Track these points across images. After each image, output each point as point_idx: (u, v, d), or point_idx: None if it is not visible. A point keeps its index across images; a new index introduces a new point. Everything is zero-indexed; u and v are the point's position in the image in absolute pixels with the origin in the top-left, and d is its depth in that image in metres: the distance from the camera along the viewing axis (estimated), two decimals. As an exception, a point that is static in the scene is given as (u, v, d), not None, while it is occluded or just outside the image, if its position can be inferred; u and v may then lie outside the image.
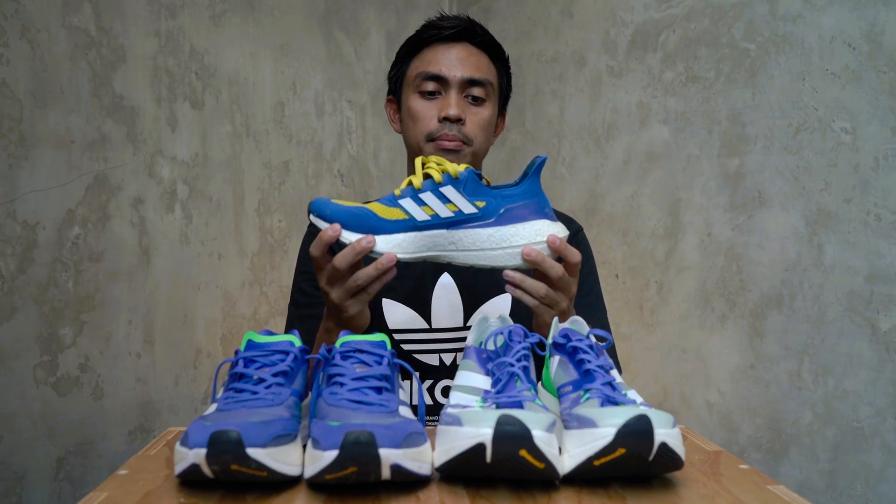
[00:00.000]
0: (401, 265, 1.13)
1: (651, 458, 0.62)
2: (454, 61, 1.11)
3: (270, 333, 0.79)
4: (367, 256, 0.85)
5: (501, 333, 0.79)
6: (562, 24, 1.94)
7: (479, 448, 0.60)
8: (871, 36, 1.34)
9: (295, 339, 0.76)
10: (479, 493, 0.64)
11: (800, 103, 1.43)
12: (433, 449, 0.66)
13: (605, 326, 1.17)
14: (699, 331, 1.60)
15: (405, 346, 1.12)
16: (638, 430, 0.61)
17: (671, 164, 1.66)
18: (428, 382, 1.12)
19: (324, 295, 0.90)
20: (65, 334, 1.38)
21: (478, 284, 1.14)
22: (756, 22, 1.51)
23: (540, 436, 0.60)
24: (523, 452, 0.60)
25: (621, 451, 0.62)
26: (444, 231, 0.84)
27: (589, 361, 0.75)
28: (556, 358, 0.78)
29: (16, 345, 1.30)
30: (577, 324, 0.84)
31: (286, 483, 0.64)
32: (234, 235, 1.73)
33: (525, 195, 0.85)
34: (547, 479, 0.64)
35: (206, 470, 0.60)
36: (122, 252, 1.48)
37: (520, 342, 0.77)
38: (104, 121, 1.45)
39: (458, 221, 0.84)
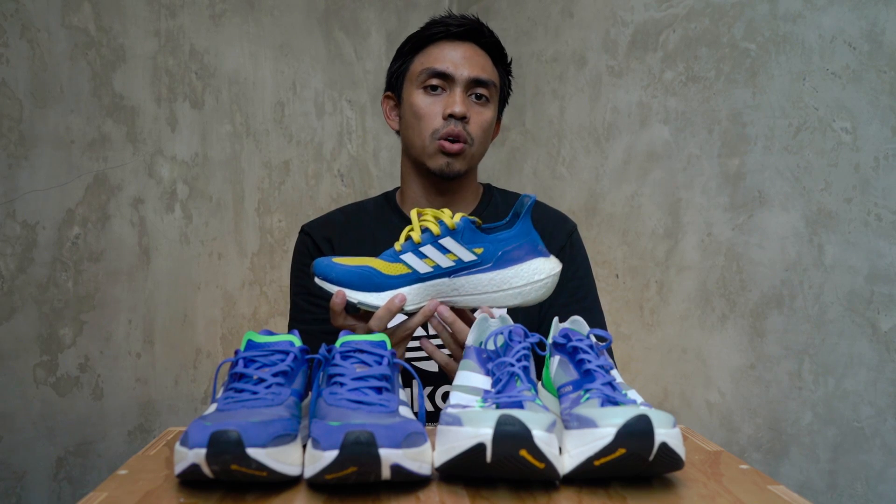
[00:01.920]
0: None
1: (651, 458, 0.62)
2: (461, 60, 1.11)
3: (270, 333, 0.79)
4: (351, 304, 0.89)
5: (501, 333, 0.79)
6: (562, 24, 1.94)
7: (479, 448, 0.60)
8: (872, 36, 1.34)
9: (295, 339, 0.76)
10: (479, 493, 0.64)
11: (800, 103, 1.43)
12: (433, 449, 0.65)
13: (603, 329, 1.16)
14: (699, 331, 1.60)
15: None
16: (638, 430, 0.61)
17: (671, 163, 1.66)
18: (428, 389, 1.11)
19: None
20: (65, 334, 1.37)
21: None
22: (756, 22, 1.51)
23: (540, 436, 0.60)
24: (523, 452, 0.60)
25: (621, 451, 0.62)
26: (446, 279, 0.89)
27: (589, 361, 0.75)
28: (557, 358, 0.78)
29: (16, 345, 1.30)
30: (577, 324, 0.84)
31: (286, 483, 0.64)
32: (234, 235, 1.73)
33: (519, 237, 0.91)
34: (547, 479, 0.63)
35: (206, 470, 0.60)
36: (121, 252, 1.48)
37: (520, 342, 0.77)
38: (104, 121, 1.45)
39: (459, 269, 0.89)
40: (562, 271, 1.16)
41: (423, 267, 0.89)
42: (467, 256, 0.89)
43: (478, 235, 0.90)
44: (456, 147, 1.09)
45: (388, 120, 1.20)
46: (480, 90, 1.12)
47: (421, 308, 0.89)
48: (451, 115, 1.08)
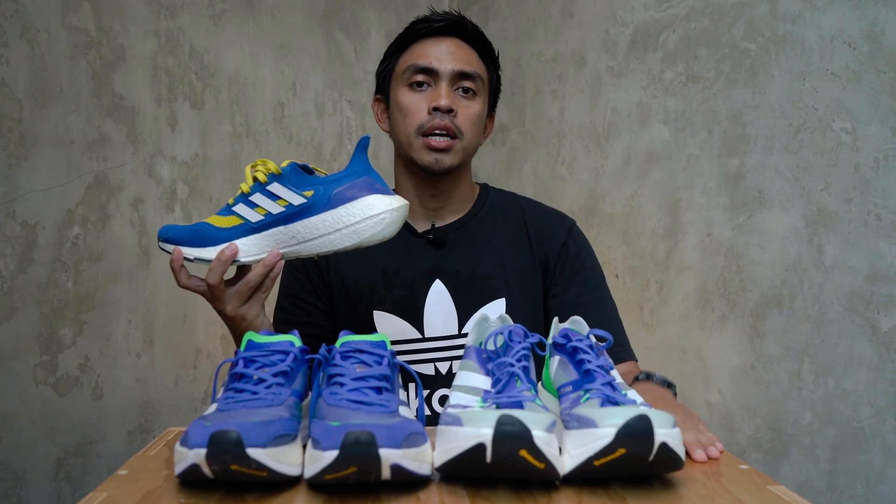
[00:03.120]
0: (390, 275, 1.12)
1: (651, 458, 0.62)
2: (444, 54, 1.10)
3: (270, 333, 0.79)
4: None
5: (501, 333, 0.79)
6: (562, 24, 1.94)
7: (479, 448, 0.60)
8: (872, 36, 1.34)
9: (295, 340, 0.76)
10: (479, 493, 0.64)
11: (800, 103, 1.43)
12: (433, 449, 0.65)
13: (614, 321, 1.14)
14: (699, 331, 1.60)
15: (399, 358, 1.10)
16: (638, 431, 0.61)
17: (671, 164, 1.66)
18: (425, 392, 1.10)
19: (219, 314, 0.92)
20: (65, 334, 1.38)
21: (471, 291, 1.12)
22: (756, 22, 1.51)
23: (540, 436, 0.60)
24: (523, 452, 0.60)
25: (621, 451, 0.62)
26: (281, 227, 0.87)
27: (589, 361, 0.75)
28: (556, 358, 0.78)
29: (16, 345, 1.30)
30: (577, 324, 0.84)
31: (286, 483, 0.64)
32: (234, 235, 1.73)
33: (351, 175, 0.87)
34: (547, 479, 0.63)
35: (206, 470, 0.60)
36: (121, 252, 1.48)
37: (520, 342, 0.77)
38: (104, 121, 1.45)
39: (292, 215, 0.86)
40: (568, 265, 1.15)
41: (254, 216, 0.87)
42: (297, 200, 0.86)
43: (306, 179, 0.87)
44: (444, 143, 1.07)
45: (379, 123, 1.19)
46: (466, 83, 1.10)
47: (261, 259, 0.87)
48: (436, 109, 1.07)
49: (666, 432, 0.62)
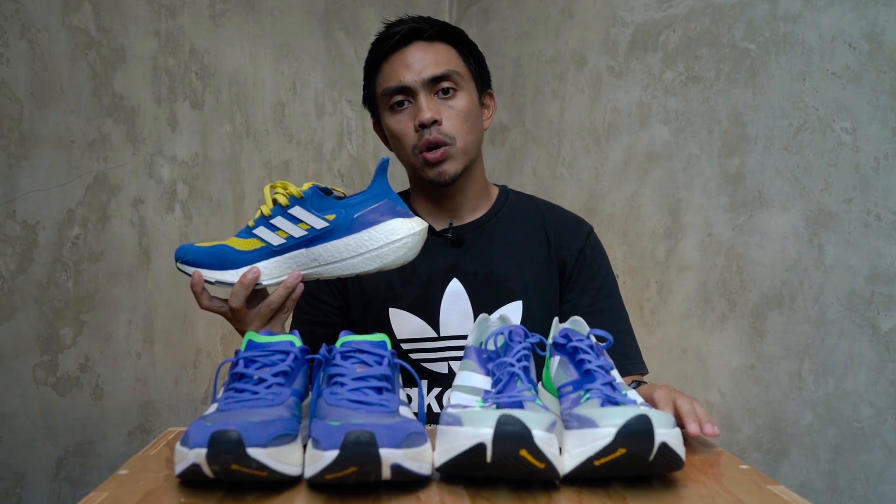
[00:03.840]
0: (407, 273, 1.12)
1: (651, 458, 0.62)
2: (412, 65, 1.08)
3: (271, 333, 0.79)
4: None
5: (501, 333, 0.79)
6: (562, 24, 1.94)
7: (479, 448, 0.60)
8: (872, 36, 1.34)
9: (295, 340, 0.76)
10: (479, 493, 0.64)
11: (800, 103, 1.43)
12: (433, 449, 0.65)
13: (627, 332, 1.14)
14: (699, 331, 1.60)
15: (413, 356, 1.10)
16: (638, 430, 0.61)
17: (671, 164, 1.66)
18: (436, 390, 1.10)
19: (241, 334, 0.91)
20: (65, 334, 1.38)
21: (489, 291, 1.11)
22: (756, 22, 1.51)
23: (540, 436, 0.60)
24: (524, 452, 0.60)
25: (622, 451, 0.62)
26: (303, 250, 0.87)
27: (589, 362, 0.75)
28: (557, 358, 0.78)
29: (16, 345, 1.30)
30: (577, 324, 0.84)
31: (286, 483, 0.64)
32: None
33: (373, 199, 0.88)
34: (547, 479, 0.64)
35: (207, 470, 0.60)
36: (121, 252, 1.48)
37: (520, 342, 0.77)
38: (104, 121, 1.45)
39: (314, 238, 0.87)
40: (584, 272, 1.15)
41: (275, 239, 0.87)
42: (319, 224, 0.86)
43: (328, 202, 0.87)
44: (437, 154, 1.05)
45: (388, 147, 1.18)
46: (443, 84, 1.08)
47: (282, 281, 0.87)
48: (421, 125, 1.06)
49: (666, 432, 0.62)
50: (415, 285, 1.12)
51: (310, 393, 0.76)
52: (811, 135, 1.42)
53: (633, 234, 1.74)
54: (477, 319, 0.86)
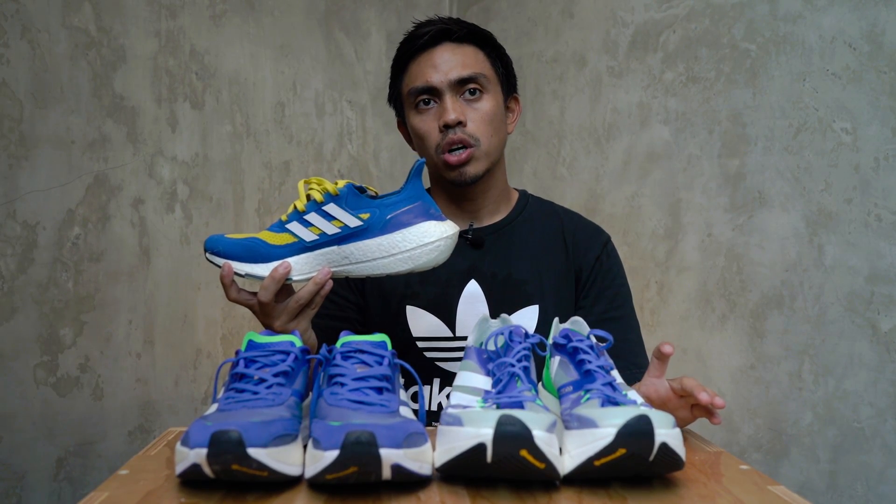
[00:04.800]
0: (426, 272, 1.12)
1: (651, 458, 0.62)
2: (439, 66, 1.08)
3: (271, 334, 0.79)
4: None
5: (502, 334, 0.79)
6: (562, 25, 1.94)
7: (479, 448, 0.60)
8: (872, 36, 1.34)
9: (295, 340, 0.76)
10: (479, 493, 0.64)
11: (800, 104, 1.43)
12: (434, 449, 0.65)
13: (638, 342, 1.14)
14: (699, 331, 1.60)
15: (428, 354, 1.10)
16: (638, 431, 0.61)
17: (671, 164, 1.66)
18: (448, 390, 1.09)
19: (266, 328, 0.91)
20: (65, 334, 1.38)
21: (506, 294, 1.11)
22: (756, 22, 1.51)
23: (540, 436, 0.60)
24: (524, 452, 0.60)
25: (622, 451, 0.62)
26: (335, 247, 0.87)
27: (589, 362, 0.75)
28: (557, 358, 0.78)
29: (16, 345, 1.30)
30: (578, 324, 0.84)
31: (287, 483, 0.64)
32: (234, 236, 1.73)
33: (407, 200, 0.88)
34: (547, 479, 0.64)
35: (207, 470, 0.60)
36: (122, 252, 1.48)
37: (520, 342, 0.77)
38: (104, 121, 1.45)
39: (347, 236, 0.87)
40: (599, 280, 1.15)
41: (308, 235, 0.87)
42: (353, 222, 0.86)
43: (363, 201, 0.87)
44: (462, 156, 1.06)
45: (411, 147, 1.18)
46: (470, 86, 1.08)
47: (311, 278, 0.87)
48: (446, 126, 1.06)
49: (666, 432, 0.62)
50: (433, 285, 1.12)
51: (310, 393, 0.76)
52: (811, 135, 1.42)
53: (633, 234, 1.74)
54: (478, 320, 0.86)
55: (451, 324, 1.11)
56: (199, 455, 0.60)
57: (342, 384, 0.71)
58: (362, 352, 0.74)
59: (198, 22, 1.66)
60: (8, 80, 1.29)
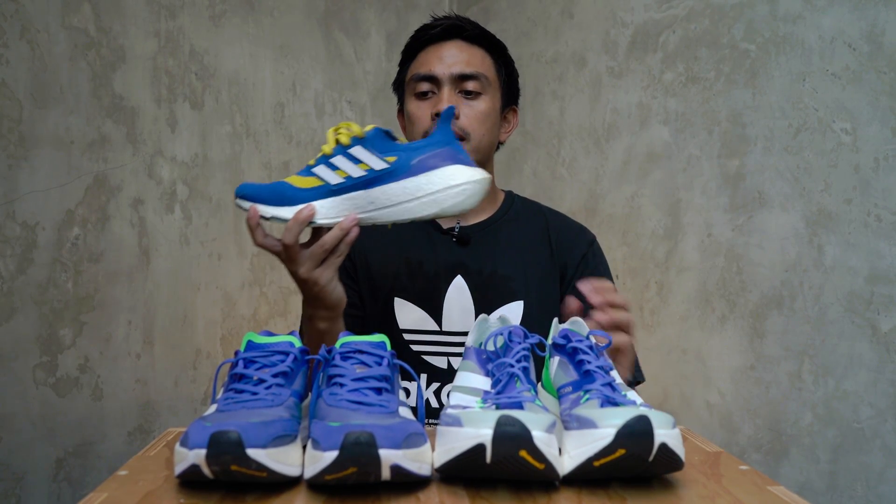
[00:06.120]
0: (414, 266, 1.14)
1: (651, 458, 0.62)
2: (444, 58, 1.11)
3: (270, 334, 0.79)
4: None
5: (501, 334, 0.79)
6: (562, 25, 1.94)
7: (479, 448, 0.60)
8: (872, 36, 1.34)
9: (295, 340, 0.76)
10: (479, 493, 0.64)
11: (800, 104, 1.43)
12: (433, 449, 0.65)
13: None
14: (699, 331, 1.60)
15: (414, 347, 1.12)
16: (638, 431, 0.61)
17: (671, 164, 1.66)
18: (435, 385, 1.11)
19: (292, 276, 0.90)
20: (64, 335, 1.37)
21: (491, 290, 1.13)
22: (756, 22, 1.51)
23: (540, 436, 0.60)
24: (523, 453, 0.60)
25: (621, 451, 0.61)
26: (361, 192, 0.85)
27: (589, 362, 0.75)
28: (556, 359, 0.78)
29: (15, 345, 1.30)
30: (577, 324, 0.84)
31: (286, 484, 0.64)
32: (233, 236, 1.73)
33: (435, 145, 0.86)
34: (547, 479, 0.63)
35: (206, 470, 0.60)
36: (121, 253, 1.48)
37: (519, 343, 0.77)
38: (104, 121, 1.45)
39: (373, 179, 0.85)
40: (583, 279, 1.17)
41: (334, 178, 0.85)
42: (379, 165, 0.85)
43: (390, 144, 0.86)
44: None
45: (404, 133, 1.20)
46: (469, 84, 1.11)
47: (337, 223, 0.86)
48: (437, 115, 1.08)
49: (666, 433, 0.62)
50: (421, 278, 1.14)
51: (309, 393, 0.76)
52: (811, 135, 1.42)
53: (632, 234, 1.74)
54: (477, 320, 0.86)
55: (437, 317, 1.13)
56: (198, 456, 0.60)
57: (341, 384, 0.71)
58: (361, 352, 0.74)
59: (197, 22, 1.66)
60: (7, 81, 1.29)
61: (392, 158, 0.85)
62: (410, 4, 2.18)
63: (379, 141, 0.86)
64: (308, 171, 0.87)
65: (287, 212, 0.86)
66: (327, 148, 0.87)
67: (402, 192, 0.85)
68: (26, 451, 1.31)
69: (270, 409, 0.67)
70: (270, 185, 0.87)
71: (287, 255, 0.88)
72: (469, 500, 0.62)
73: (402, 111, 1.20)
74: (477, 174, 0.86)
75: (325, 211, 0.86)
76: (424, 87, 1.11)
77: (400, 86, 1.19)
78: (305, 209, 0.85)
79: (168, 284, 1.57)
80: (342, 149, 0.86)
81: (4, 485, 1.28)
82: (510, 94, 1.19)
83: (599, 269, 1.18)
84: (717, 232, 1.57)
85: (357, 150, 0.86)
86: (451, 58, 1.11)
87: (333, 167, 0.86)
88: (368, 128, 0.87)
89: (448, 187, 0.85)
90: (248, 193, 0.87)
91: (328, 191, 0.86)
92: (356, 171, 0.85)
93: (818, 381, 1.40)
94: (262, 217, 0.87)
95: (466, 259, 1.14)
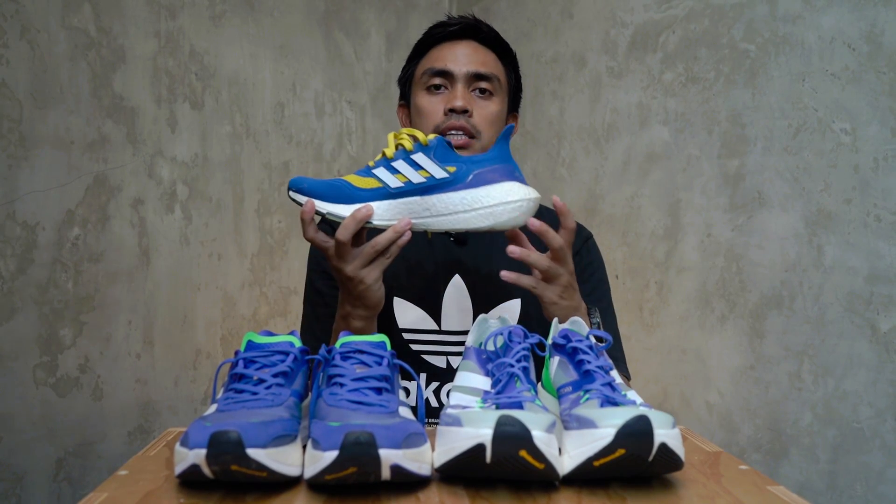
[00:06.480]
0: (412, 265, 1.14)
1: (651, 458, 0.62)
2: (460, 56, 1.12)
3: (270, 334, 0.79)
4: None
5: (501, 334, 0.79)
6: (562, 25, 1.94)
7: (479, 448, 0.60)
8: (871, 37, 1.34)
9: (295, 340, 0.76)
10: (479, 493, 0.64)
11: (800, 104, 1.44)
12: (433, 449, 0.65)
13: (615, 336, 1.16)
14: (699, 331, 1.60)
15: (413, 346, 1.12)
16: (638, 431, 0.61)
17: (671, 164, 1.66)
18: (434, 385, 1.11)
19: (336, 274, 0.91)
20: (64, 335, 1.37)
21: (489, 288, 1.13)
22: (756, 23, 1.51)
23: (540, 436, 0.60)
24: (523, 453, 0.60)
25: (621, 451, 0.62)
26: (417, 198, 0.87)
27: (589, 362, 0.75)
28: (556, 359, 0.78)
29: (16, 345, 1.30)
30: (577, 325, 0.84)
31: (286, 483, 0.64)
32: (233, 236, 1.73)
33: (494, 160, 0.89)
34: (547, 479, 0.64)
35: (206, 470, 0.60)
36: (121, 253, 1.48)
37: (519, 343, 0.77)
38: (104, 121, 1.45)
39: (431, 187, 0.87)
40: (577, 275, 1.17)
41: (394, 182, 0.87)
42: (439, 173, 0.87)
43: (451, 154, 0.88)
44: (461, 141, 1.09)
45: (404, 126, 1.21)
46: (483, 84, 1.12)
47: (391, 225, 0.87)
48: (451, 110, 1.09)
49: (665, 433, 0.62)
50: (419, 278, 1.14)
51: (309, 393, 0.76)
52: (811, 135, 1.42)
53: (632, 234, 1.74)
54: (477, 320, 0.86)
55: (436, 317, 1.13)
56: (198, 455, 0.60)
57: (341, 384, 0.71)
58: (361, 352, 0.74)
59: (197, 22, 1.66)
60: (7, 81, 1.29)
61: (452, 168, 0.87)
62: (410, 4, 2.18)
63: (441, 150, 0.88)
64: (368, 172, 0.89)
65: (344, 209, 0.87)
66: (388, 151, 0.89)
67: (460, 203, 0.87)
68: (26, 451, 1.31)
69: (270, 409, 0.67)
70: (328, 181, 0.89)
71: (338, 251, 0.88)
72: (469, 500, 0.63)
73: (403, 105, 1.21)
74: (531, 193, 0.89)
75: (382, 213, 0.87)
76: (437, 81, 1.12)
77: (407, 80, 1.19)
78: (364, 209, 0.86)
79: (168, 284, 1.57)
80: (404, 153, 0.88)
81: (4, 485, 1.28)
82: (514, 101, 1.22)
83: (594, 264, 1.19)
84: (717, 232, 1.57)
85: (419, 157, 0.87)
86: (466, 56, 1.13)
87: (394, 171, 0.88)
88: (431, 136, 0.89)
89: (505, 202, 0.87)
90: (305, 188, 0.88)
91: (387, 193, 0.87)
92: (416, 178, 0.87)
93: (818, 381, 1.40)
94: (317, 212, 0.87)
95: (464, 258, 1.15)
